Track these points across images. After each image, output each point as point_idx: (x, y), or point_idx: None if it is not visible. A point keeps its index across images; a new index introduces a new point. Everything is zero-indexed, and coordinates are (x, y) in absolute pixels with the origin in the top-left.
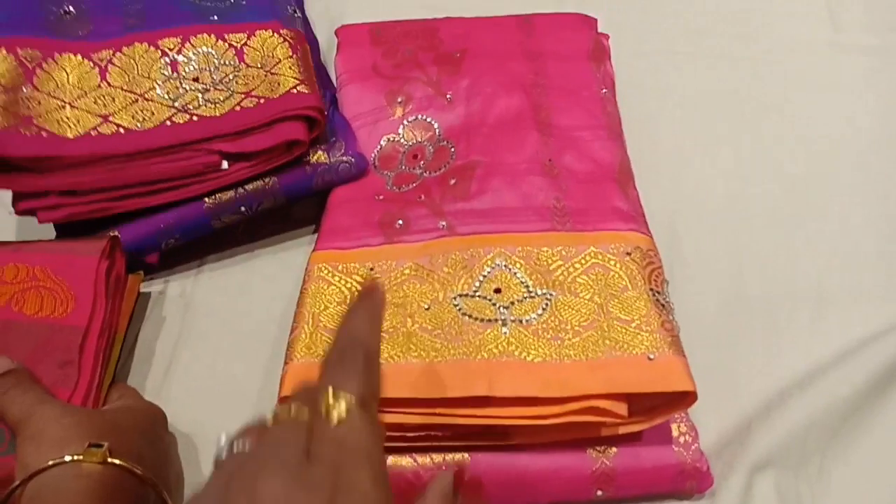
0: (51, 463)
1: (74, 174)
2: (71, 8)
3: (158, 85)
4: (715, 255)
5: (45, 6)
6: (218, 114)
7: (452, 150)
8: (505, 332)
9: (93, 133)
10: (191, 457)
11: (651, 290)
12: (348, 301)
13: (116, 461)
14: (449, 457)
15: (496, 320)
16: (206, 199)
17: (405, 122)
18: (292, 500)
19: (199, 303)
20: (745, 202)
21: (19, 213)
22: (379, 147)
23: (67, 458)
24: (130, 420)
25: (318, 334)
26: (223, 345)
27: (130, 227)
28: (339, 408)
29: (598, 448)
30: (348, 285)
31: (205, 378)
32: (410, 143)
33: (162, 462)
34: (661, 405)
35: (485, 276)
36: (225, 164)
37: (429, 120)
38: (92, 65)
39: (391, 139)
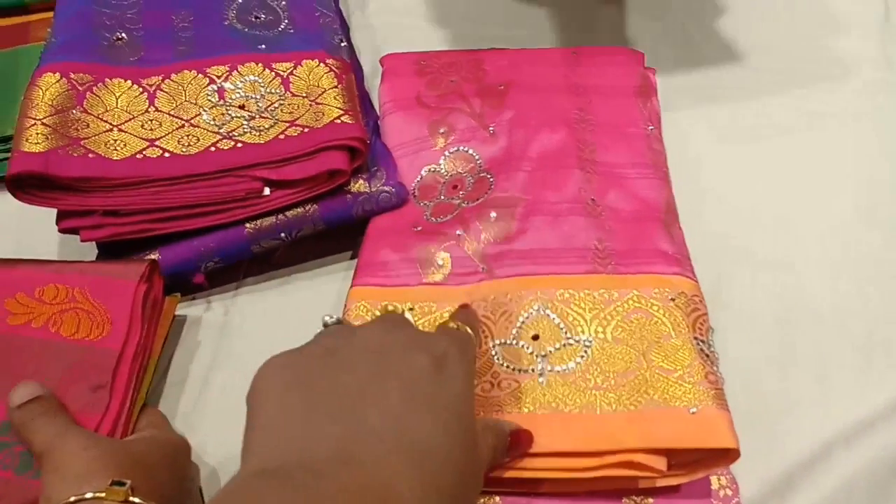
0: (72, 499)
1: (118, 195)
2: (123, 35)
3: (205, 111)
4: (761, 300)
5: (98, 32)
6: (262, 141)
7: (492, 180)
8: (542, 382)
9: (138, 157)
10: (214, 486)
11: (695, 338)
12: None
13: (137, 500)
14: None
15: (533, 370)
16: (247, 225)
17: (446, 153)
18: (413, 347)
19: (234, 326)
20: (794, 245)
21: (62, 230)
22: (420, 177)
23: (88, 495)
24: (156, 454)
25: None
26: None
27: (171, 249)
28: (459, 324)
29: (634, 498)
30: None
31: (238, 404)
32: (451, 174)
33: (184, 499)
34: (703, 459)
35: (523, 322)
36: (267, 191)
37: (470, 152)
38: (141, 90)
39: (432, 170)
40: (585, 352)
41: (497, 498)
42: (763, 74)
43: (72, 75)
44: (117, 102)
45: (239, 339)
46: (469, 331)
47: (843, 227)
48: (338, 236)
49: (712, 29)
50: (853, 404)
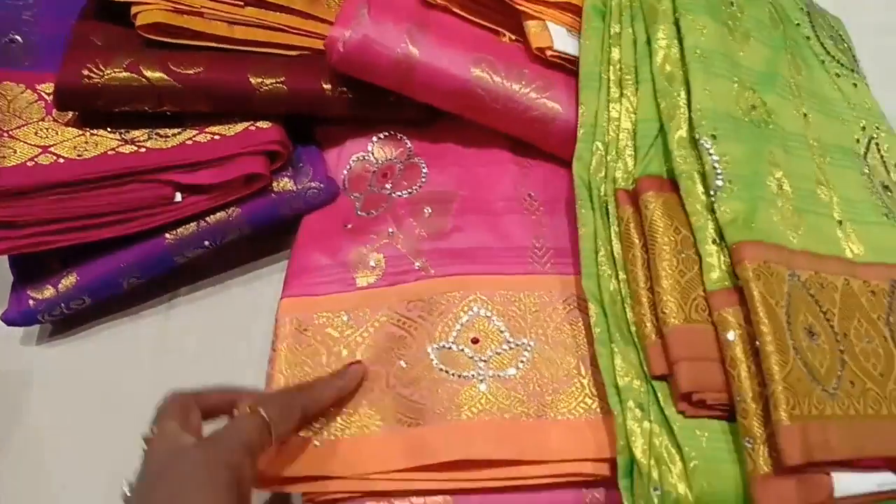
0: None
1: (10, 206)
2: (18, 37)
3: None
4: None
5: None
6: (167, 146)
7: (424, 169)
8: (482, 389)
9: (29, 164)
10: None
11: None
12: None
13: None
14: (430, 500)
15: (473, 376)
16: (167, 235)
17: (375, 138)
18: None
19: (171, 341)
20: None
21: None
22: (348, 167)
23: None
24: None
25: None
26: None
27: (89, 267)
28: (245, 409)
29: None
30: (321, 340)
31: None
32: (381, 161)
33: None
34: None
35: (462, 325)
36: (178, 197)
37: (400, 136)
38: (36, 97)
39: (361, 158)
40: (525, 357)
41: (449, 497)
42: None
43: None
44: (9, 107)
45: (177, 355)
46: (258, 420)
47: None
48: (273, 234)
49: None
50: None
